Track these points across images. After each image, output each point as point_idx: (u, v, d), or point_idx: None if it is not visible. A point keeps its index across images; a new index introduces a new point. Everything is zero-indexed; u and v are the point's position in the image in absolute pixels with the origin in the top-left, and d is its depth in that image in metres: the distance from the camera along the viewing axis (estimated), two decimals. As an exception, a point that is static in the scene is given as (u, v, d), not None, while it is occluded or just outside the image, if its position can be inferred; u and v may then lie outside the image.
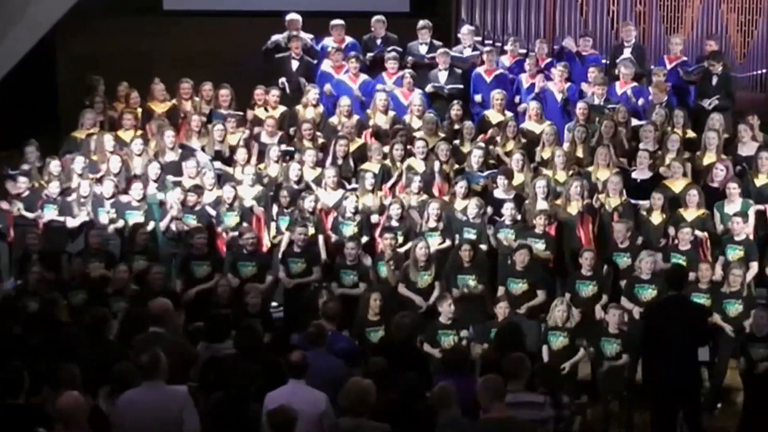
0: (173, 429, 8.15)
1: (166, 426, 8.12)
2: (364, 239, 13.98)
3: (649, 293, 12.69)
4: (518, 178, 14.67)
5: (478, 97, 16.42)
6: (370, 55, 16.95)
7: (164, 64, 17.31)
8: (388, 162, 15.03)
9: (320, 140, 15.52)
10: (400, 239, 13.82)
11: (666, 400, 10.63)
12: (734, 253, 13.38)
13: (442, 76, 16.48)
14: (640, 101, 16.07)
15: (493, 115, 15.91)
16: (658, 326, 10.68)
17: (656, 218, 13.98)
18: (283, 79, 16.46)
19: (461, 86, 16.48)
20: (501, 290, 13.02)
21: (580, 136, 15.16)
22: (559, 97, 16.19)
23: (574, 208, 14.09)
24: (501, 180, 14.42)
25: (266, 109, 16.10)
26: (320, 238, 14.10)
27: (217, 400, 8.69)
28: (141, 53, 17.67)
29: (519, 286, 12.99)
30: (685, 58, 16.80)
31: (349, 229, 14.05)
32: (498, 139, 15.48)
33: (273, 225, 14.36)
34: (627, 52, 16.71)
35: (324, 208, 14.37)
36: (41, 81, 17.63)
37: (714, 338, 12.26)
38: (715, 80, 16.17)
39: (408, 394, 8.93)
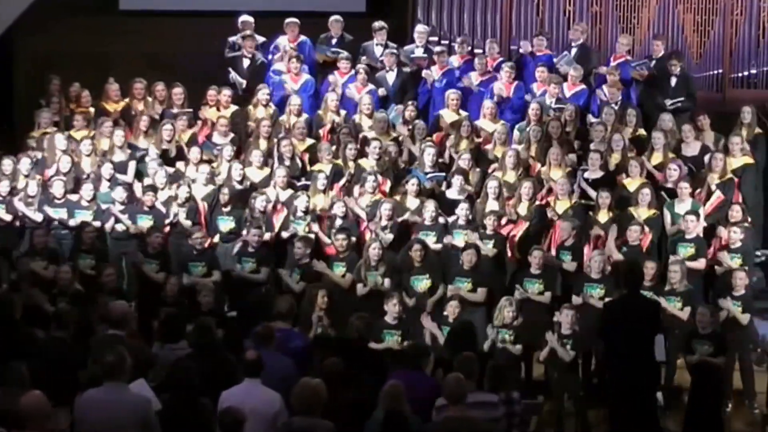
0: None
1: (125, 429, 8.03)
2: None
3: (597, 292, 12.78)
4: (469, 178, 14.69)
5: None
6: (324, 48, 16.81)
7: (120, 64, 17.26)
8: (339, 161, 15.00)
9: (275, 139, 15.43)
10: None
11: (624, 399, 10.71)
12: (685, 251, 13.48)
13: (390, 76, 16.41)
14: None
15: (448, 115, 15.85)
16: (617, 326, 10.74)
17: (603, 216, 14.02)
18: (234, 74, 16.41)
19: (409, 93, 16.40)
20: (451, 289, 13.03)
21: (535, 135, 15.17)
22: (505, 96, 16.10)
23: (522, 209, 14.16)
24: (457, 179, 14.45)
25: (218, 109, 16.03)
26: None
27: (165, 400, 8.67)
28: (97, 53, 17.60)
29: (464, 285, 13.01)
30: (628, 57, 16.79)
31: (301, 228, 14.04)
32: (451, 138, 15.45)
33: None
34: (573, 52, 16.70)
35: (272, 203, 14.35)
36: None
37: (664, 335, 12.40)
38: (674, 81, 16.20)
39: (363, 394, 8.97)
